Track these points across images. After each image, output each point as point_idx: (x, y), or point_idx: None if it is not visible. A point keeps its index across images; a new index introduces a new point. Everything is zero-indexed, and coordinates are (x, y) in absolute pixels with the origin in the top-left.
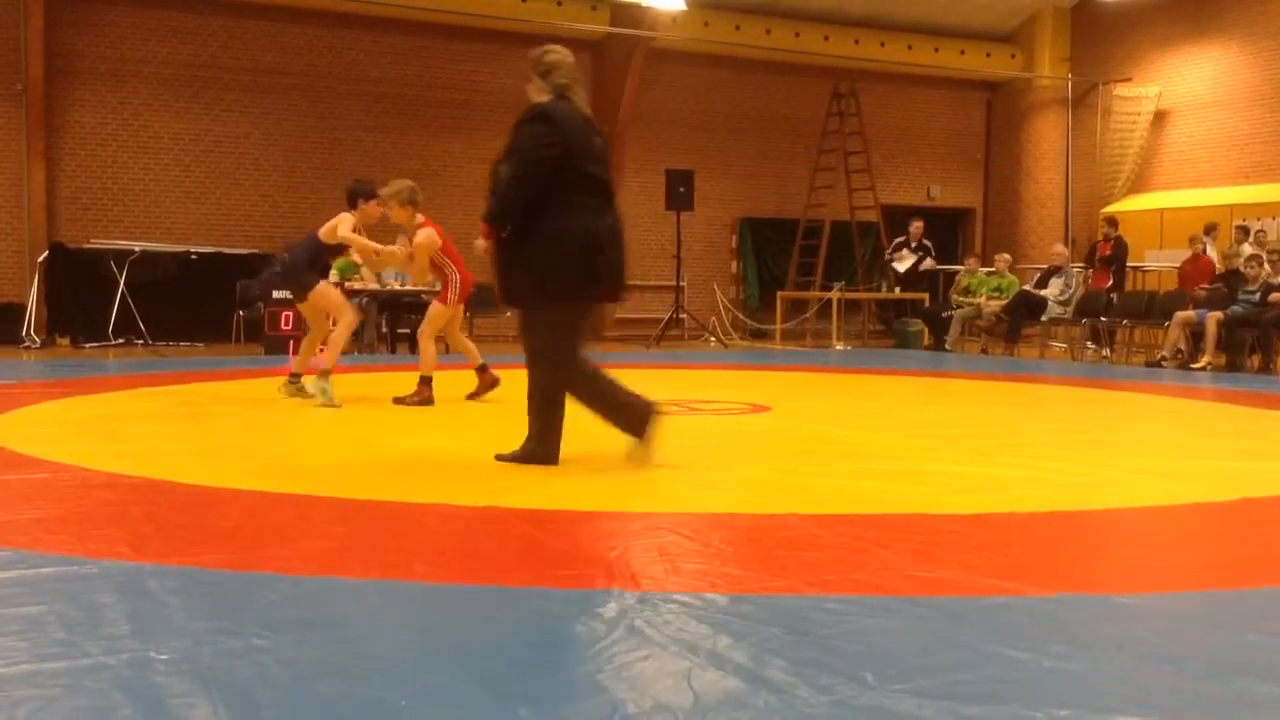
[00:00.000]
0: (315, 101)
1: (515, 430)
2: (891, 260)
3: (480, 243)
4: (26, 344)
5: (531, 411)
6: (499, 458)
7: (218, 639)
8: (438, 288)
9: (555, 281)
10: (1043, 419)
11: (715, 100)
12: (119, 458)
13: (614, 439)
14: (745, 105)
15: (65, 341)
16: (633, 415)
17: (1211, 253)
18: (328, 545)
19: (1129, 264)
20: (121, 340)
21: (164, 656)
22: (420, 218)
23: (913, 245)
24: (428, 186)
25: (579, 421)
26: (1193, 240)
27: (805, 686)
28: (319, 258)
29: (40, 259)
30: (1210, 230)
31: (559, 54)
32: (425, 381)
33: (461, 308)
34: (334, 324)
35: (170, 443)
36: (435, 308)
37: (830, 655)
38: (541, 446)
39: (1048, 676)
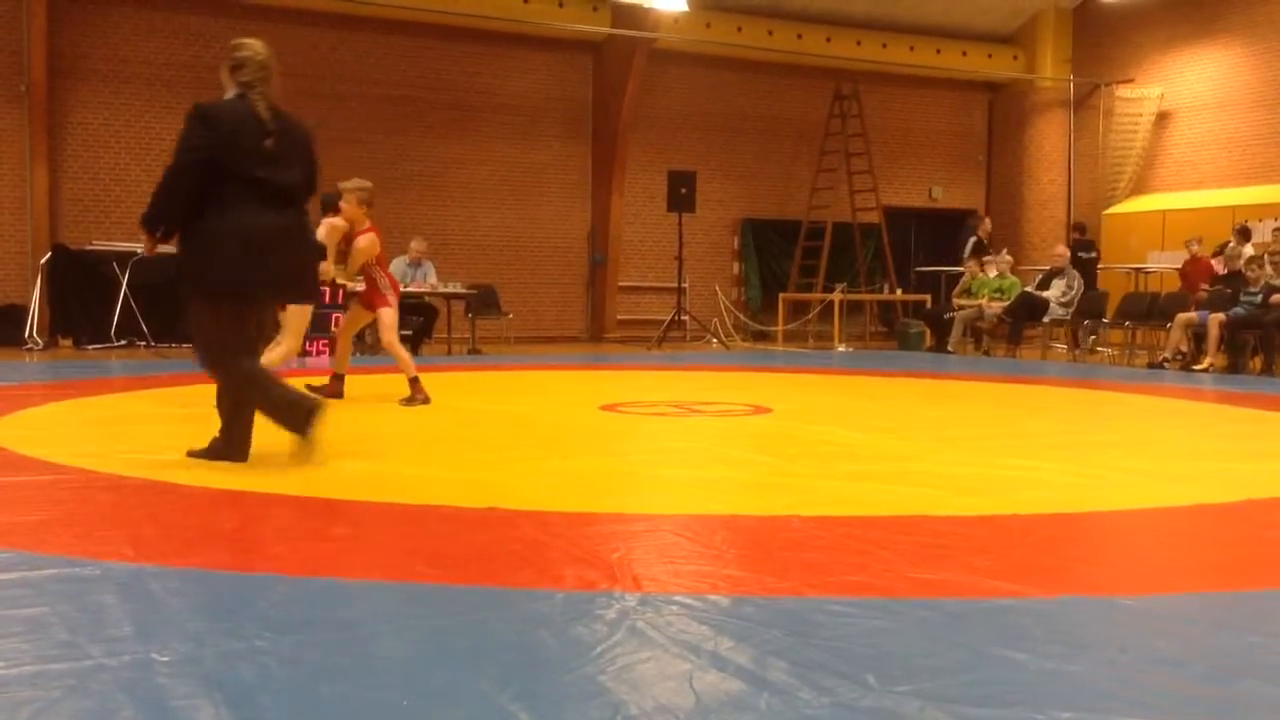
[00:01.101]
0: (318, 103)
1: (519, 432)
2: (970, 260)
3: (148, 244)
4: (29, 346)
5: (221, 408)
6: (190, 454)
7: (220, 640)
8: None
9: (209, 279)
10: (1045, 420)
11: (717, 101)
12: (121, 459)
13: (606, 445)
14: (747, 106)
15: (68, 343)
16: (295, 413)
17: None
18: (329, 547)
19: (1131, 266)
20: (124, 342)
21: (166, 658)
22: (368, 223)
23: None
24: (430, 188)
25: (582, 431)
26: (1187, 243)
27: (807, 688)
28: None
29: (43, 260)
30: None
31: (250, 49)
32: (414, 382)
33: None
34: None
35: (172, 444)
36: (385, 313)
37: (832, 657)
38: (228, 444)
39: (1050, 678)
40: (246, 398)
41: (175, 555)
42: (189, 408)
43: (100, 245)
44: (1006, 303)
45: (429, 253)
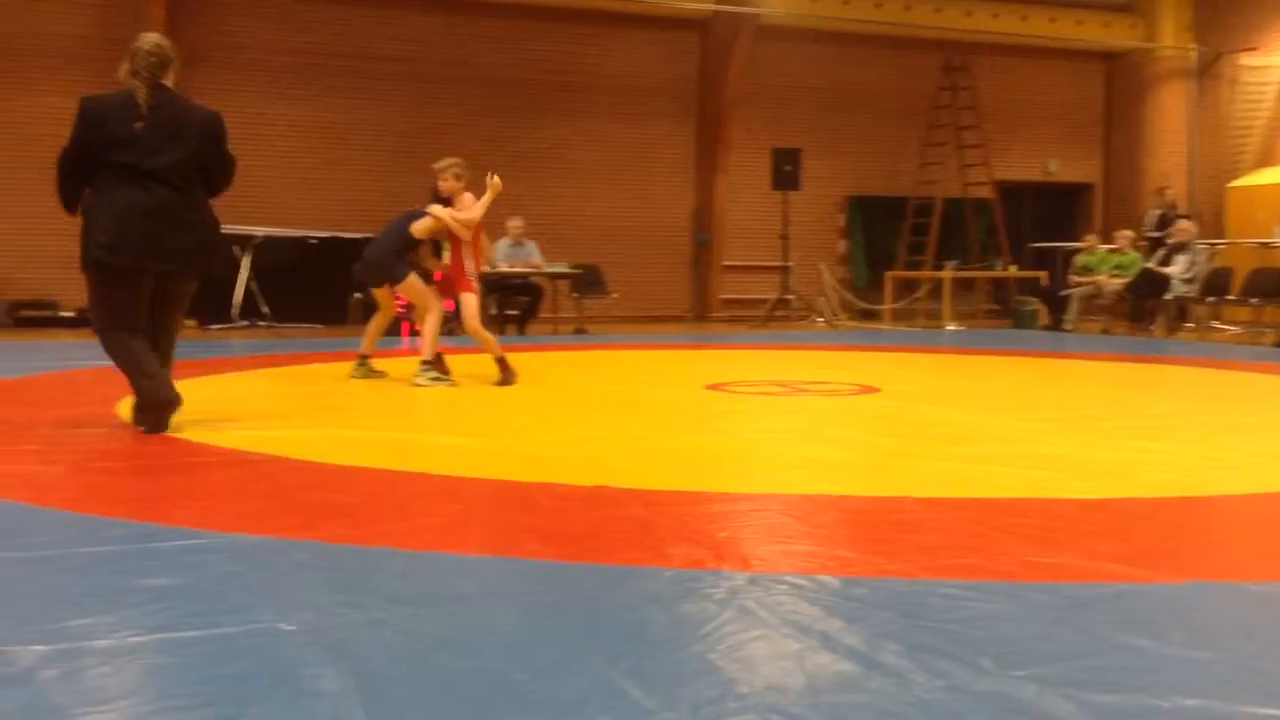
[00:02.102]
0: (425, 87)
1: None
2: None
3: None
4: None
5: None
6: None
7: (341, 611)
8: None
9: (86, 253)
10: (1167, 401)
11: (823, 77)
12: (243, 435)
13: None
14: (854, 80)
15: (193, 323)
16: (146, 408)
17: None
18: (444, 522)
19: (1257, 240)
20: (246, 322)
21: (291, 627)
22: (467, 197)
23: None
24: (536, 169)
25: (688, 410)
26: None
27: (921, 671)
28: (408, 249)
29: None
30: None
31: (140, 41)
32: (501, 362)
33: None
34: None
35: (292, 421)
36: (468, 299)
37: (946, 640)
38: (140, 404)
39: (1173, 665)
40: (117, 365)
41: (297, 528)
42: (308, 385)
43: (222, 229)
44: (1126, 279)
45: (530, 231)
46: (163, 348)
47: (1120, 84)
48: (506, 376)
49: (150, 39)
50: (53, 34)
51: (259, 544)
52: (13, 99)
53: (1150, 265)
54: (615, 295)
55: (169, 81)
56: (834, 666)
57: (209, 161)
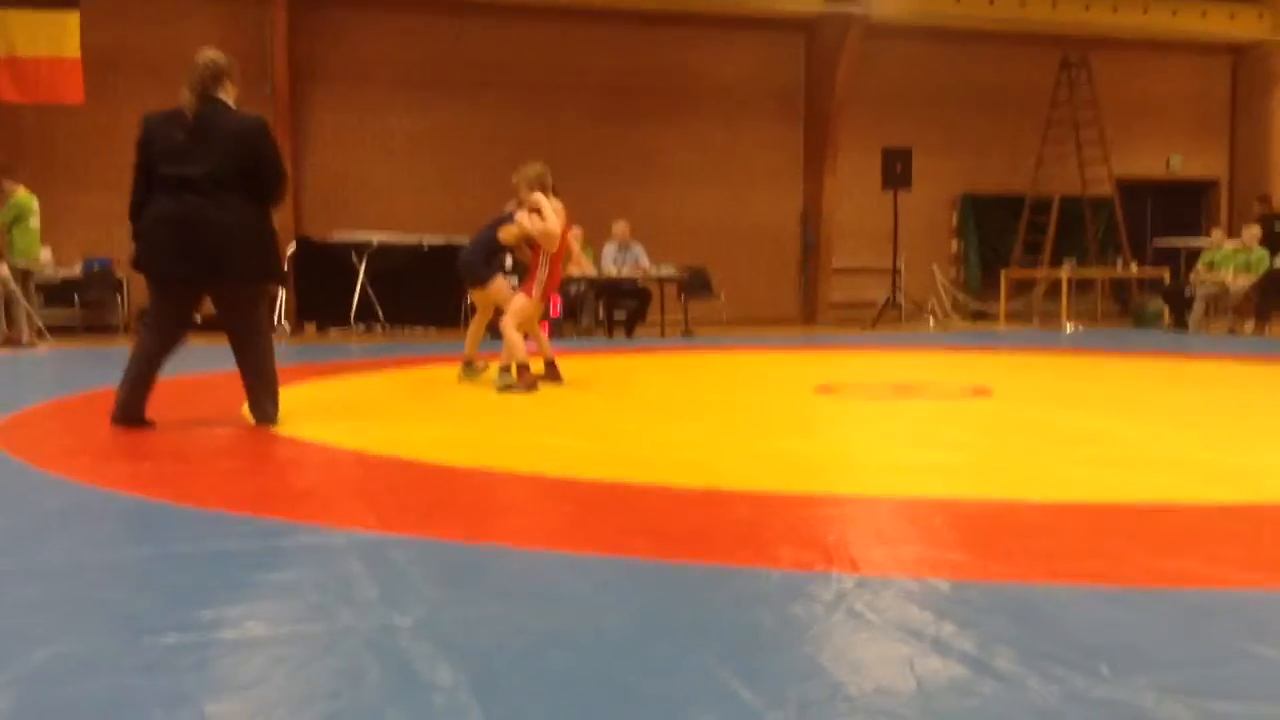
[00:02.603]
0: (537, 95)
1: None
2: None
3: None
4: (278, 331)
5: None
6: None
7: (456, 607)
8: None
9: (136, 260)
10: None
11: (934, 75)
12: (362, 436)
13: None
14: (966, 78)
15: (312, 328)
16: (122, 404)
17: None
18: (555, 522)
19: None
20: (362, 326)
21: (407, 622)
22: (548, 205)
23: None
24: (642, 172)
25: (797, 413)
26: None
27: (1035, 677)
28: (495, 253)
29: (289, 252)
30: None
31: (196, 56)
32: (519, 369)
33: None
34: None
35: (408, 422)
36: (520, 299)
37: (1062, 646)
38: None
39: None
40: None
41: (414, 526)
42: (421, 387)
43: (340, 237)
44: (1254, 278)
45: (636, 234)
46: (243, 368)
47: (1246, 77)
48: (518, 382)
49: (205, 54)
50: (184, 50)
51: (376, 541)
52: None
53: None
54: (722, 298)
55: (224, 94)
56: (945, 671)
57: (250, 167)
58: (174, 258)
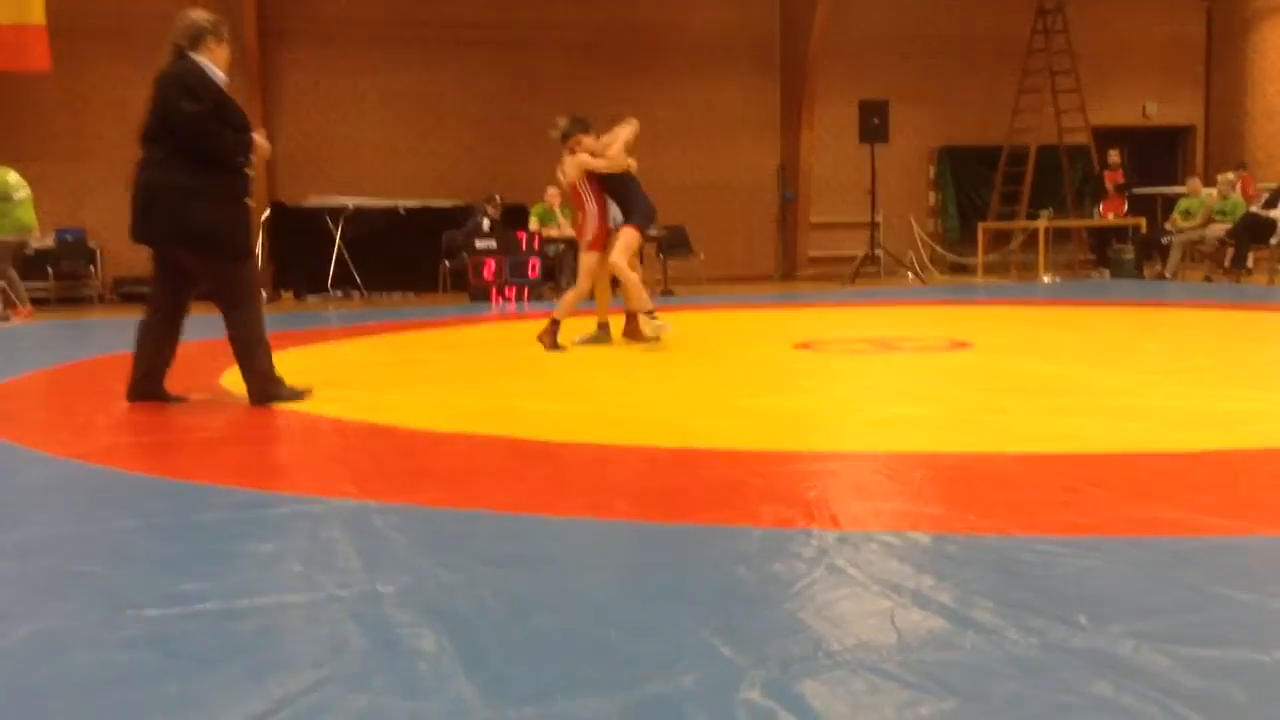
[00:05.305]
0: (509, 53)
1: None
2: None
3: None
4: None
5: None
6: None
7: (438, 573)
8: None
9: None
10: (1272, 349)
11: (910, 24)
12: (342, 403)
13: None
14: (942, 28)
15: (289, 295)
16: (133, 377)
17: None
18: (536, 485)
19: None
20: (339, 292)
21: (390, 589)
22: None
23: None
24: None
25: (777, 370)
26: None
27: (1015, 628)
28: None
29: (263, 218)
30: None
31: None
32: (625, 320)
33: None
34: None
35: (388, 389)
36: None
37: (1041, 597)
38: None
39: (1276, 619)
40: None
41: (395, 493)
42: (401, 353)
43: (314, 201)
44: (1229, 225)
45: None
46: (232, 343)
47: (1222, 21)
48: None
49: (186, 13)
50: (153, 15)
51: (358, 509)
52: (119, 79)
53: (1255, 209)
54: (701, 256)
55: (205, 54)
56: (926, 624)
57: (169, 121)
58: (134, 227)
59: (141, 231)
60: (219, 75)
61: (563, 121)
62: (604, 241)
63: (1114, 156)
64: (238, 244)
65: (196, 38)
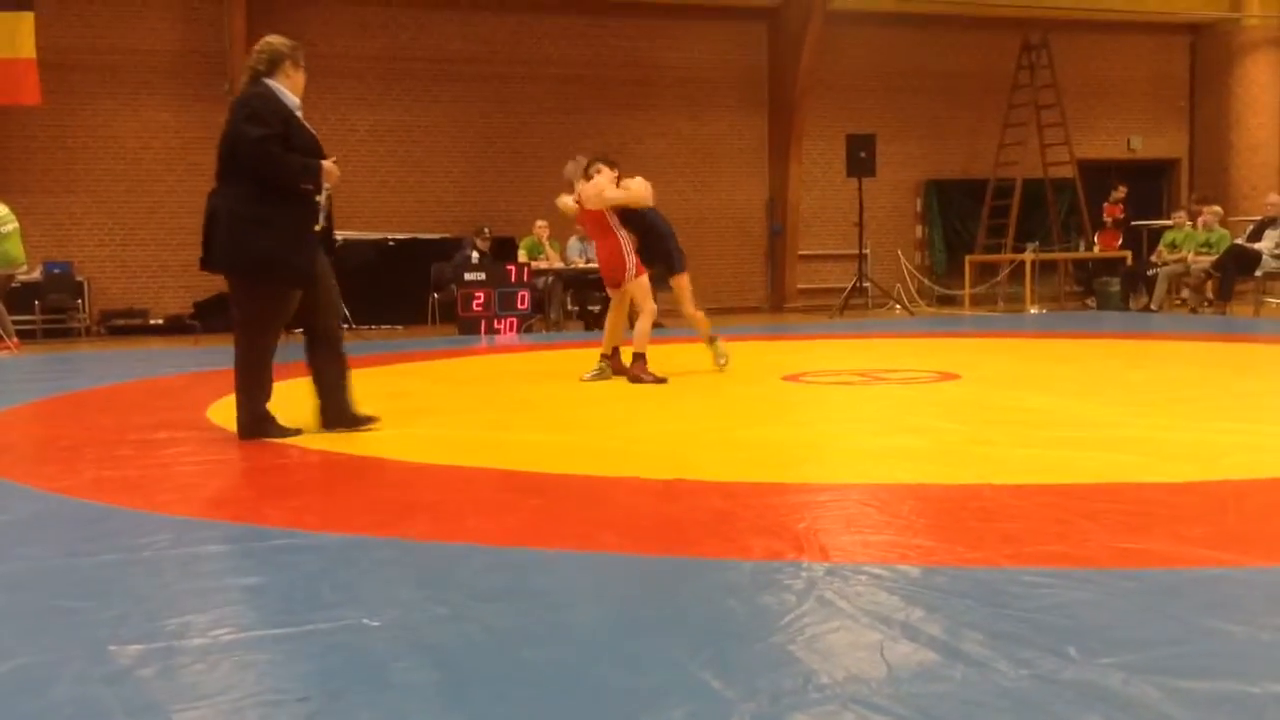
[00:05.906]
0: (499, 87)
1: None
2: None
3: None
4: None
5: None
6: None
7: (426, 607)
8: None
9: None
10: (1259, 380)
11: (896, 60)
12: (329, 437)
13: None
14: (928, 63)
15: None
16: (241, 420)
17: None
18: (524, 518)
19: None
20: None
21: (377, 623)
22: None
23: None
24: None
25: (766, 402)
26: None
27: (1004, 660)
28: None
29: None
30: None
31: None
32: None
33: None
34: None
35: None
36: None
37: (1030, 629)
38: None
39: (1265, 650)
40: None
41: (382, 526)
42: (390, 386)
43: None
44: (1214, 257)
45: None
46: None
47: (1206, 56)
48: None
49: (266, 39)
50: (140, 50)
51: (346, 542)
52: (107, 113)
53: (1240, 242)
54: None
55: (282, 79)
56: (916, 656)
57: (225, 147)
58: (204, 253)
59: (205, 259)
60: (292, 100)
61: (582, 158)
62: (643, 267)
63: (1119, 192)
64: (289, 274)
65: (274, 62)
